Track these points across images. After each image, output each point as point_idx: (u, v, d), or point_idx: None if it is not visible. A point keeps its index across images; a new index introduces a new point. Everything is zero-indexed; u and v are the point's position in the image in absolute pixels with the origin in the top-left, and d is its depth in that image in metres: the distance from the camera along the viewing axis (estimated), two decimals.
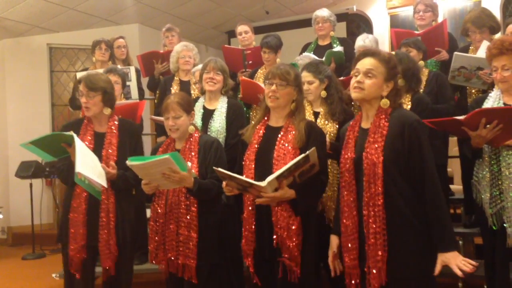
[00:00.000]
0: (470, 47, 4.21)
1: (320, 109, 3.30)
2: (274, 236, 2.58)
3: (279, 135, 2.69)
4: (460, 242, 4.16)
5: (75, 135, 2.85)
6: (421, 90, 3.77)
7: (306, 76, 3.27)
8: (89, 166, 2.81)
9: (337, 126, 3.22)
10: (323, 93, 3.30)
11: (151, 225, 3.00)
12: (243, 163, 2.75)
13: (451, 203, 4.29)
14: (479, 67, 3.78)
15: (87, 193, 3.00)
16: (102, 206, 3.02)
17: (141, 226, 4.44)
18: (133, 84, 4.90)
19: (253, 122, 2.88)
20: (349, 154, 2.37)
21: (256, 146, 2.72)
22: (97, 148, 3.07)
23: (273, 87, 2.69)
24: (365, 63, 2.33)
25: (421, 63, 3.89)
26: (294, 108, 2.74)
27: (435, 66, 4.35)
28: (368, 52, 2.40)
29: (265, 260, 2.67)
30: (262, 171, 2.62)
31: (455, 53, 4.02)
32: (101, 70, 4.72)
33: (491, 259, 2.92)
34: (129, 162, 2.72)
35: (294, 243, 2.54)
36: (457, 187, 5.02)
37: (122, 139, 3.13)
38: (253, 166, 2.67)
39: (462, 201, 4.43)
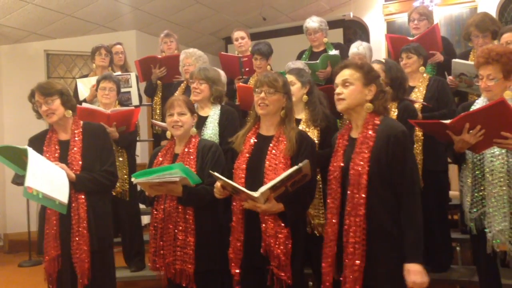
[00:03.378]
0: (471, 52, 4.22)
1: (302, 116, 3.29)
2: (263, 244, 2.58)
3: (271, 145, 2.69)
4: (458, 248, 4.16)
5: (29, 149, 2.77)
6: (423, 96, 3.80)
7: (288, 78, 3.23)
8: (44, 180, 2.73)
9: (319, 133, 3.23)
10: (305, 98, 3.31)
11: (150, 231, 2.99)
12: (233, 171, 2.75)
13: (448, 209, 4.28)
14: (477, 74, 3.79)
15: None
16: (72, 213, 2.96)
17: (137, 232, 4.45)
18: (134, 90, 4.91)
19: (241, 131, 2.87)
20: (337, 163, 2.40)
21: (247, 155, 2.72)
22: (63, 156, 3.02)
23: (262, 94, 2.70)
24: (341, 75, 2.41)
25: (422, 68, 3.91)
26: (284, 116, 2.74)
27: (431, 70, 4.36)
28: (341, 65, 2.47)
29: (255, 267, 2.66)
30: (253, 180, 2.63)
31: (453, 60, 4.04)
32: (95, 78, 4.75)
33: (479, 264, 2.94)
34: (135, 180, 2.72)
35: (282, 251, 2.54)
36: (454, 192, 5.02)
37: (87, 143, 3.07)
38: (244, 175, 2.68)
39: (459, 207, 4.43)
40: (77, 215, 2.96)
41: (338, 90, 2.40)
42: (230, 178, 2.71)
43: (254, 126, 2.82)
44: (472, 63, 3.91)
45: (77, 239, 2.94)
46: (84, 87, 4.80)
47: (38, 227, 3.23)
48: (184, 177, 2.74)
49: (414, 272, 2.18)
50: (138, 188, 3.07)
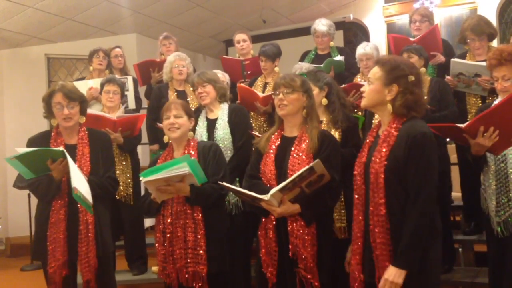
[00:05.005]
0: (467, 55, 4.22)
1: (323, 118, 3.25)
2: (290, 246, 2.57)
3: (293, 145, 2.70)
4: (460, 249, 4.16)
5: (65, 151, 2.82)
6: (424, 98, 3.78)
7: None
8: (80, 181, 2.80)
9: (340, 134, 3.21)
10: (324, 101, 3.27)
11: (157, 237, 2.95)
12: (262, 173, 2.76)
13: (450, 210, 4.28)
14: (476, 73, 3.80)
15: (66, 209, 2.96)
16: (80, 218, 2.96)
17: (139, 236, 4.44)
18: (130, 94, 4.91)
19: (258, 135, 2.89)
20: (361, 158, 2.36)
21: (273, 156, 2.74)
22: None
23: (280, 95, 2.71)
24: (370, 72, 2.36)
25: (423, 69, 3.88)
26: (305, 115, 2.75)
27: (432, 71, 4.36)
28: (376, 61, 2.40)
29: (279, 272, 2.65)
30: (279, 182, 2.62)
31: (452, 60, 4.03)
32: (92, 80, 4.76)
33: (497, 267, 2.89)
34: (143, 179, 2.71)
35: (309, 254, 2.54)
36: (456, 194, 5.01)
37: (94, 149, 3.09)
38: (275, 177, 2.68)
39: (461, 208, 4.43)
40: (85, 221, 2.97)
41: (363, 87, 2.36)
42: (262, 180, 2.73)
43: (278, 129, 2.83)
44: (471, 62, 3.94)
45: (85, 244, 2.95)
46: (81, 89, 4.78)
47: (35, 232, 3.19)
48: (191, 173, 2.73)
49: (391, 274, 2.11)
50: (143, 191, 3.06)
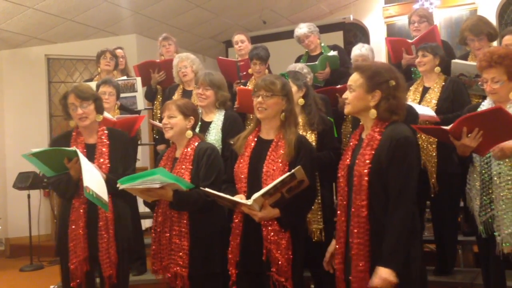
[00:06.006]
0: (470, 56, 4.21)
1: (299, 119, 3.25)
2: (264, 251, 2.58)
3: (269, 150, 2.69)
4: (459, 250, 4.15)
5: (78, 151, 2.89)
6: (436, 97, 3.75)
7: None
8: (94, 180, 2.84)
9: (316, 136, 3.22)
10: (301, 101, 3.29)
11: (152, 233, 3.02)
12: (234, 175, 2.76)
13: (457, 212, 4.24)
14: (477, 74, 3.79)
15: (85, 206, 3.02)
16: (100, 214, 3.03)
17: (138, 236, 4.44)
18: (139, 95, 4.91)
19: (243, 133, 2.88)
20: (345, 161, 2.40)
21: (247, 158, 2.73)
22: (90, 159, 3.07)
23: (259, 98, 2.70)
24: (350, 79, 2.39)
25: (437, 69, 3.84)
26: (284, 119, 2.74)
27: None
28: (354, 67, 2.45)
29: (251, 272, 2.67)
30: (252, 185, 2.64)
31: (453, 60, 4.03)
32: (94, 83, 4.75)
33: (486, 267, 2.93)
34: (120, 185, 2.74)
35: (283, 258, 2.55)
36: None
37: (113, 148, 3.15)
38: (246, 179, 2.69)
39: (460, 209, 4.42)
40: (105, 217, 3.03)
41: (345, 94, 2.40)
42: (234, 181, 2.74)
43: (255, 129, 2.82)
44: (472, 63, 3.93)
45: (106, 240, 3.01)
46: None
47: (58, 231, 3.26)
48: (168, 182, 2.74)
49: (380, 276, 2.13)
50: None
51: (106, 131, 3.19)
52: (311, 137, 3.19)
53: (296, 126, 2.81)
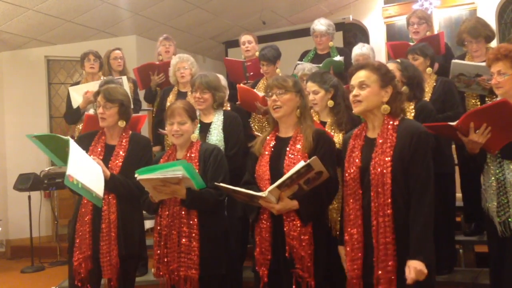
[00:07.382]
0: (466, 56, 4.22)
1: (327, 119, 3.23)
2: (287, 247, 2.57)
3: (288, 145, 2.70)
4: (461, 250, 4.15)
5: (71, 140, 2.86)
6: (428, 97, 3.74)
7: (311, 86, 3.21)
8: (84, 171, 2.80)
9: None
10: (330, 103, 3.22)
11: (155, 237, 2.97)
12: (256, 174, 2.76)
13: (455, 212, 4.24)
14: (477, 74, 3.80)
15: (93, 203, 2.99)
16: (103, 216, 3.01)
17: (142, 239, 4.43)
18: None
19: (260, 135, 2.89)
20: (356, 162, 2.37)
21: (268, 157, 2.74)
22: (106, 159, 3.09)
23: (273, 97, 2.72)
24: (357, 77, 2.39)
25: (429, 70, 3.85)
26: (299, 115, 2.75)
27: None
28: (358, 66, 2.46)
29: (274, 272, 2.65)
30: (274, 182, 2.61)
31: (453, 60, 4.04)
32: (87, 84, 4.75)
33: (498, 267, 2.89)
34: (138, 176, 2.71)
35: (306, 253, 2.55)
36: (457, 195, 5.02)
37: (131, 152, 3.14)
38: (269, 177, 2.68)
39: (461, 209, 4.42)
40: (108, 219, 3.01)
41: (355, 92, 2.38)
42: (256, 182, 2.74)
43: (273, 131, 2.84)
44: (472, 63, 3.94)
45: (107, 243, 2.98)
46: (77, 94, 4.79)
47: (69, 227, 3.27)
48: (187, 177, 2.73)
49: (414, 268, 2.15)
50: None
51: (128, 136, 3.19)
52: (339, 137, 3.10)
53: (312, 121, 2.81)
